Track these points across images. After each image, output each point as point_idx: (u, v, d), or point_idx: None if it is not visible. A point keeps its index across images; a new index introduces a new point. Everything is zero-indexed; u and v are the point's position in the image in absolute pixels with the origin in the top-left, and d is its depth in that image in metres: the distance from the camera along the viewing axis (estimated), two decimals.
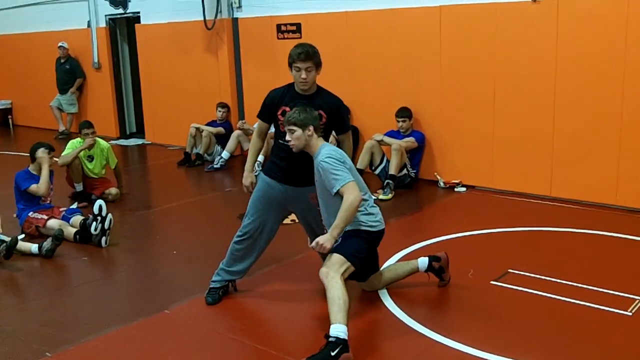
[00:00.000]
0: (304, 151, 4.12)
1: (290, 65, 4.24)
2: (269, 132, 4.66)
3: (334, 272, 3.79)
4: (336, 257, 3.90)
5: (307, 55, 4.16)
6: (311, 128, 4.01)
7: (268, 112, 4.40)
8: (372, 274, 4.39)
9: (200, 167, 9.09)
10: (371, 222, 4.09)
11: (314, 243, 3.91)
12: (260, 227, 4.41)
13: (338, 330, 3.56)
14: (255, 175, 4.63)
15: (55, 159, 6.58)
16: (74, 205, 6.38)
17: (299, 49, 4.19)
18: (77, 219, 6.08)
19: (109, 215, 5.81)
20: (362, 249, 4.05)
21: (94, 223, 5.76)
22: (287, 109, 4.22)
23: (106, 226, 5.78)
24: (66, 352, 3.85)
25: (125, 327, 4.16)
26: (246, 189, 4.56)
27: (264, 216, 4.41)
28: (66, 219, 6.11)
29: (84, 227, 5.90)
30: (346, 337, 3.55)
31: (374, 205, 4.18)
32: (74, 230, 5.92)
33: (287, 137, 4.06)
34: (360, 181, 4.13)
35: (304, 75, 4.18)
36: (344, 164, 3.97)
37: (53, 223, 5.97)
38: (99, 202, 5.88)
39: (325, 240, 3.86)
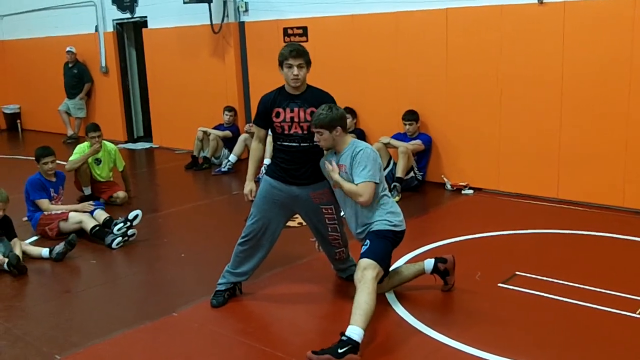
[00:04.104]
0: (305, 151, 4.26)
1: (280, 64, 4.30)
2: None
3: (367, 279, 3.84)
4: (368, 262, 3.95)
5: (299, 53, 4.24)
6: (339, 129, 4.10)
7: (264, 117, 4.42)
8: (384, 277, 4.41)
9: (208, 171, 9.12)
10: (396, 221, 4.19)
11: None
12: (263, 228, 4.44)
13: (354, 332, 3.60)
14: (258, 180, 4.65)
15: (61, 162, 6.62)
16: None
17: (290, 48, 4.28)
18: (101, 214, 6.15)
19: (135, 231, 5.92)
20: (388, 252, 4.15)
21: (121, 224, 5.83)
22: (281, 110, 4.30)
23: (129, 233, 5.87)
24: (75, 355, 3.87)
25: (133, 330, 4.18)
26: (246, 197, 4.58)
27: (267, 217, 4.43)
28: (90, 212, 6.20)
29: (107, 224, 5.95)
30: (359, 341, 3.58)
31: (397, 205, 4.31)
32: (93, 223, 5.97)
33: (315, 138, 4.15)
34: (384, 180, 4.27)
35: (295, 72, 4.22)
36: (379, 164, 4.14)
37: (75, 216, 6.05)
38: (138, 212, 5.98)
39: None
